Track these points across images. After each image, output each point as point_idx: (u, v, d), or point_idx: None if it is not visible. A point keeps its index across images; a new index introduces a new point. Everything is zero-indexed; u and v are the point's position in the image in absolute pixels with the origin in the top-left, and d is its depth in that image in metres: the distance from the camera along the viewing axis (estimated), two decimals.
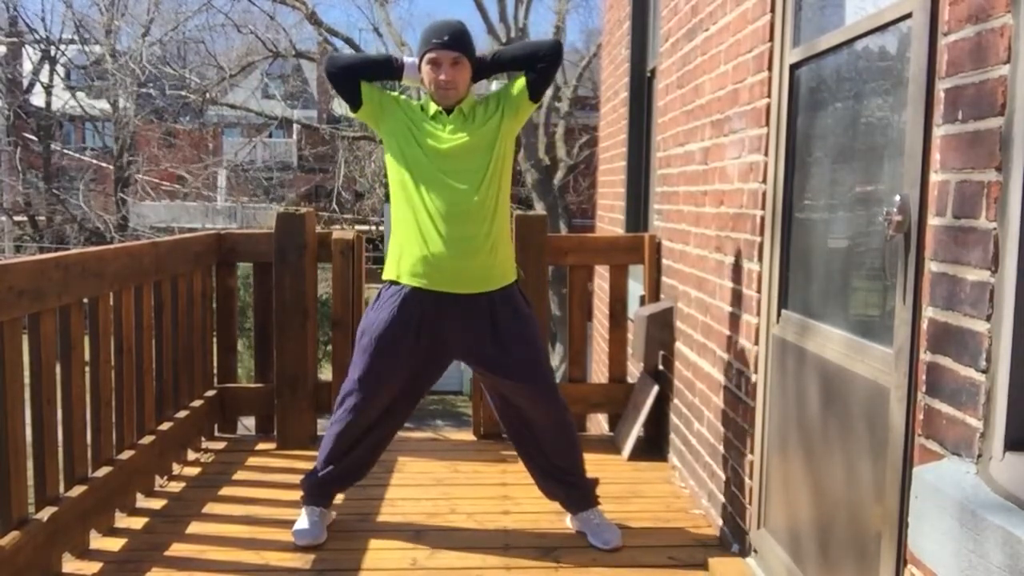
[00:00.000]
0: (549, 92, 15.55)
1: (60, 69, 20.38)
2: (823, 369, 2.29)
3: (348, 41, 15.87)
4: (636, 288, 4.37)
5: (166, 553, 2.92)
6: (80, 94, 20.53)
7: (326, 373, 4.35)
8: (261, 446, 4.07)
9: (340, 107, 21.64)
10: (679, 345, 3.77)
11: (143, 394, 3.35)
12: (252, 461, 3.88)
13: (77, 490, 2.82)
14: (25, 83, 20.53)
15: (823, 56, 2.39)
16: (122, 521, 3.15)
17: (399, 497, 3.46)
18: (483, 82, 3.14)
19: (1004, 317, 1.47)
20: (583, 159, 16.88)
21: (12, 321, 2.47)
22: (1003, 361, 1.47)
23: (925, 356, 1.71)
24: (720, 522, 3.12)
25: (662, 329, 3.88)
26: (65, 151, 22.06)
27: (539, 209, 13.79)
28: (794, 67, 2.58)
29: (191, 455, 3.88)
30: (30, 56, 20.51)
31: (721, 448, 3.11)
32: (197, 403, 3.92)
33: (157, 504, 3.35)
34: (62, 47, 19.67)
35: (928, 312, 1.70)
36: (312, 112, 25.30)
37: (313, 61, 18.18)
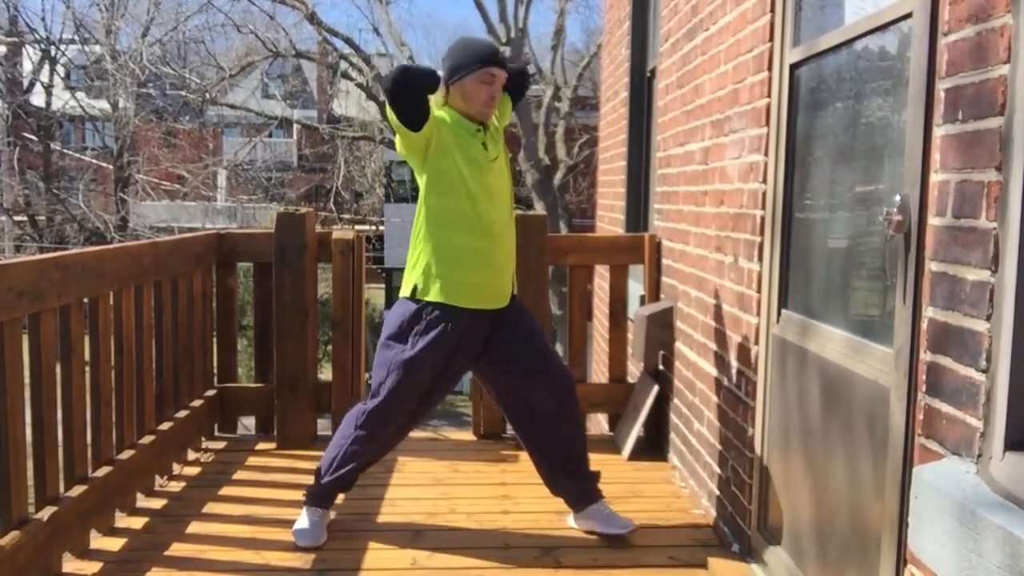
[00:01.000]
0: (549, 92, 15.58)
1: (60, 69, 20.36)
2: (823, 369, 2.29)
3: (348, 41, 15.86)
4: (636, 288, 4.37)
5: (166, 553, 2.92)
6: (80, 94, 20.52)
7: (326, 373, 4.35)
8: (261, 446, 4.07)
9: (340, 107, 21.64)
10: (679, 345, 3.77)
11: (143, 394, 3.35)
12: (252, 461, 3.88)
13: (77, 490, 2.82)
14: (25, 83, 20.52)
15: (823, 56, 2.39)
16: (122, 521, 3.15)
17: (399, 497, 3.47)
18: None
19: (1004, 317, 1.47)
20: (583, 159, 16.87)
21: (12, 321, 2.47)
22: (1003, 361, 1.47)
23: (925, 356, 1.71)
24: (720, 522, 3.12)
25: (662, 329, 3.88)
26: (65, 151, 22.05)
27: (539, 209, 13.79)
28: (794, 67, 2.58)
29: (191, 455, 3.88)
30: (30, 56, 20.50)
31: (721, 448, 3.12)
32: (197, 403, 3.92)
33: (157, 504, 3.35)
34: (62, 47, 19.65)
35: (928, 312, 1.70)
36: (312, 112, 25.29)
37: (313, 61, 18.19)
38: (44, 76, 19.76)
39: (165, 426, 3.54)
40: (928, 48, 1.75)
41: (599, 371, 5.98)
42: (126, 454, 3.18)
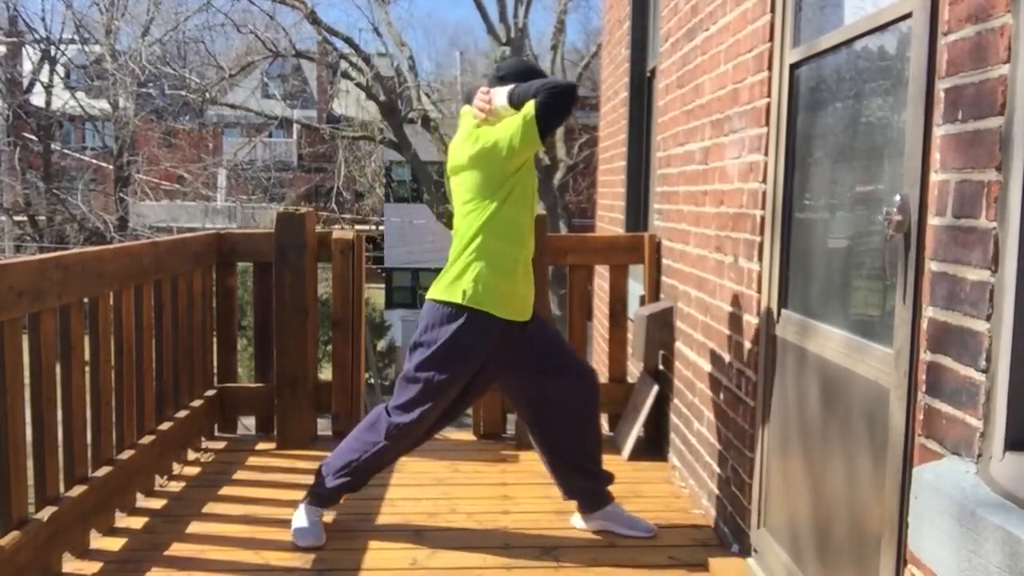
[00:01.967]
0: None
1: (60, 69, 20.37)
2: (823, 369, 2.29)
3: (348, 41, 15.86)
4: (636, 288, 4.37)
5: (166, 553, 2.92)
6: (80, 94, 20.52)
7: (326, 373, 4.35)
8: (261, 446, 4.07)
9: (340, 107, 21.62)
10: (679, 345, 3.77)
11: (143, 394, 3.35)
12: (252, 461, 3.88)
13: (77, 490, 2.82)
14: (25, 83, 20.52)
15: (823, 56, 2.39)
16: (122, 521, 3.15)
17: (399, 497, 3.47)
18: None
19: (1004, 317, 1.47)
20: (583, 159, 16.87)
21: (12, 321, 2.47)
22: (1003, 361, 1.47)
23: (925, 356, 1.71)
24: (720, 522, 3.12)
25: (662, 329, 3.88)
26: (65, 151, 22.04)
27: (539, 209, 13.76)
28: (794, 67, 2.58)
29: (191, 455, 3.88)
30: (30, 56, 20.50)
31: (721, 448, 3.12)
32: (197, 403, 3.92)
33: (157, 504, 3.35)
34: (62, 47, 19.66)
35: (928, 312, 1.70)
36: (312, 112, 25.29)
37: (313, 61, 18.18)
38: (44, 76, 19.77)
39: (165, 426, 3.54)
40: (928, 48, 1.75)
41: (599, 371, 5.95)
42: (126, 454, 3.18)
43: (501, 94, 2.85)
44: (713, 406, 3.22)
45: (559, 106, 2.73)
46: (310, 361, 4.10)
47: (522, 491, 3.52)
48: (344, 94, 20.48)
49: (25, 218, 19.75)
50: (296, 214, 4.06)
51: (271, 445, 4.07)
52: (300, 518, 3.03)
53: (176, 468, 3.70)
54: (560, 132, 16.15)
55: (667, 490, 3.60)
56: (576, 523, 3.17)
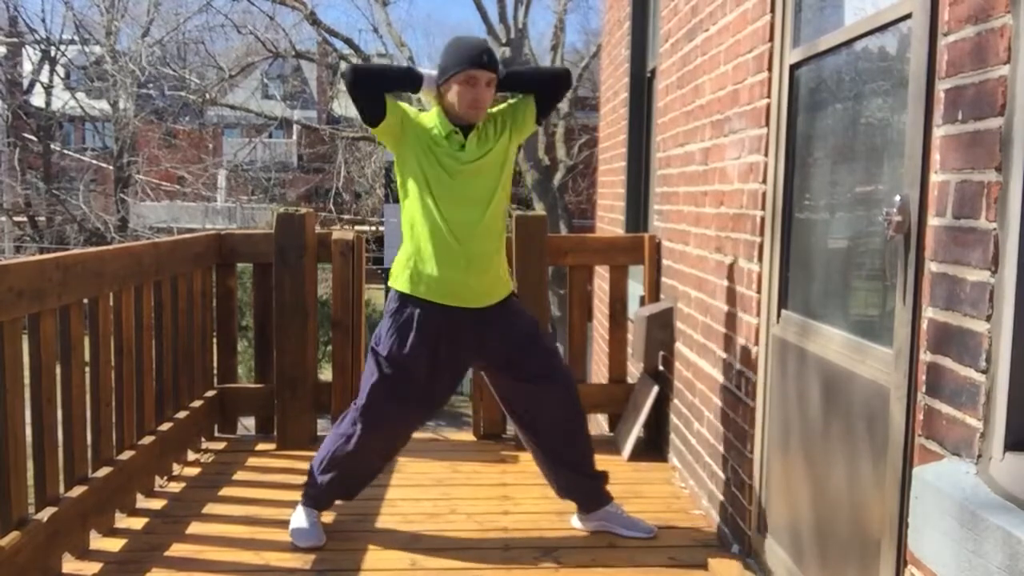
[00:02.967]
0: None
1: (60, 69, 20.37)
2: (823, 369, 2.29)
3: (348, 41, 15.87)
4: (636, 288, 4.37)
5: (166, 553, 2.92)
6: (80, 94, 20.52)
7: (326, 373, 4.35)
8: (261, 446, 4.07)
9: (340, 107, 21.62)
10: (679, 345, 3.77)
11: (143, 394, 3.35)
12: (252, 461, 3.88)
13: (77, 490, 2.82)
14: (25, 83, 20.52)
15: (823, 56, 2.40)
16: (122, 521, 3.15)
17: (399, 497, 3.46)
18: None
19: (1004, 317, 1.47)
20: (583, 159, 16.88)
21: (12, 321, 2.47)
22: (1003, 361, 1.47)
23: (925, 356, 1.71)
24: (720, 522, 3.12)
25: (662, 329, 3.88)
26: (65, 151, 22.04)
27: (539, 209, 13.78)
28: (794, 67, 2.58)
29: (191, 455, 3.88)
30: (30, 56, 20.50)
31: (721, 448, 3.11)
32: (197, 403, 3.92)
33: (157, 504, 3.35)
34: (62, 47, 19.66)
35: (928, 312, 1.70)
36: (312, 112, 25.30)
37: (313, 61, 18.20)
38: (44, 76, 19.76)
39: (165, 426, 3.54)
40: (928, 48, 1.75)
41: (599, 371, 5.98)
42: (126, 454, 3.18)
43: None
44: (713, 407, 3.22)
45: (351, 93, 2.86)
46: (310, 362, 4.10)
47: (522, 491, 3.52)
48: (344, 95, 20.46)
49: (25, 219, 19.74)
50: (296, 215, 4.06)
51: (271, 446, 4.06)
52: (298, 519, 3.03)
53: (176, 469, 3.70)
54: (560, 132, 16.16)
55: (667, 491, 3.60)
56: (576, 524, 3.16)
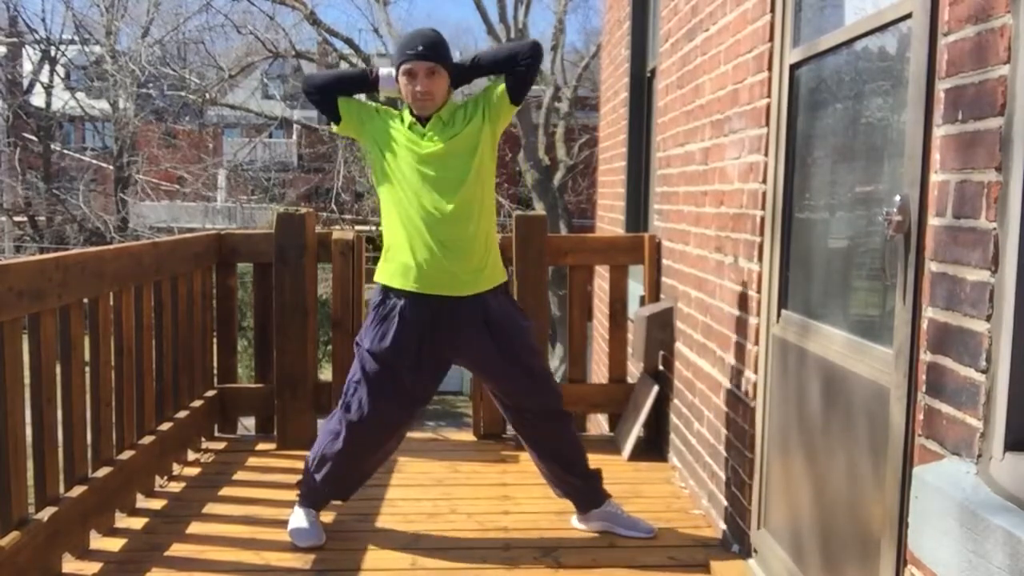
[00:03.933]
0: (549, 92, 15.56)
1: (60, 69, 20.37)
2: (823, 369, 2.29)
3: (348, 41, 15.86)
4: (636, 288, 4.37)
5: (166, 553, 2.92)
6: (80, 94, 20.52)
7: (326, 373, 4.35)
8: (261, 446, 4.07)
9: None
10: (679, 345, 3.77)
11: (143, 394, 3.35)
12: (252, 461, 3.88)
13: (77, 490, 2.82)
14: (25, 83, 20.52)
15: (823, 56, 2.39)
16: (122, 521, 3.15)
17: (399, 497, 3.46)
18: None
19: (1004, 317, 1.47)
20: (583, 159, 16.88)
21: (12, 321, 2.47)
22: (1003, 361, 1.47)
23: (925, 356, 1.71)
24: (720, 522, 3.12)
25: (662, 329, 3.88)
26: (65, 151, 22.04)
27: (539, 209, 13.78)
28: (794, 67, 2.58)
29: (191, 455, 3.88)
30: (30, 56, 20.50)
31: (721, 448, 3.11)
32: (197, 403, 3.92)
33: (157, 504, 3.35)
34: (62, 47, 19.66)
35: (928, 312, 1.70)
36: (312, 112, 25.20)
37: (313, 61, 18.18)
38: (44, 76, 19.77)
39: (165, 426, 3.54)
40: (928, 48, 1.75)
41: (599, 371, 5.98)
42: (126, 454, 3.18)
43: None
44: (713, 406, 3.22)
45: (309, 99, 3.04)
46: (310, 362, 4.10)
47: (522, 491, 3.52)
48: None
49: (25, 218, 19.74)
50: (296, 215, 4.06)
51: (271, 446, 4.06)
52: (298, 519, 3.03)
53: (176, 468, 3.70)
54: (560, 132, 16.15)
55: (667, 490, 3.60)
56: (576, 523, 3.17)
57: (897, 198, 1.84)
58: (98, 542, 2.97)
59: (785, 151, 2.62)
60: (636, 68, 5.39)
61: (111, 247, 3.33)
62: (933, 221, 1.69)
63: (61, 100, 20.02)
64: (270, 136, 24.37)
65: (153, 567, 2.82)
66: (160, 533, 3.09)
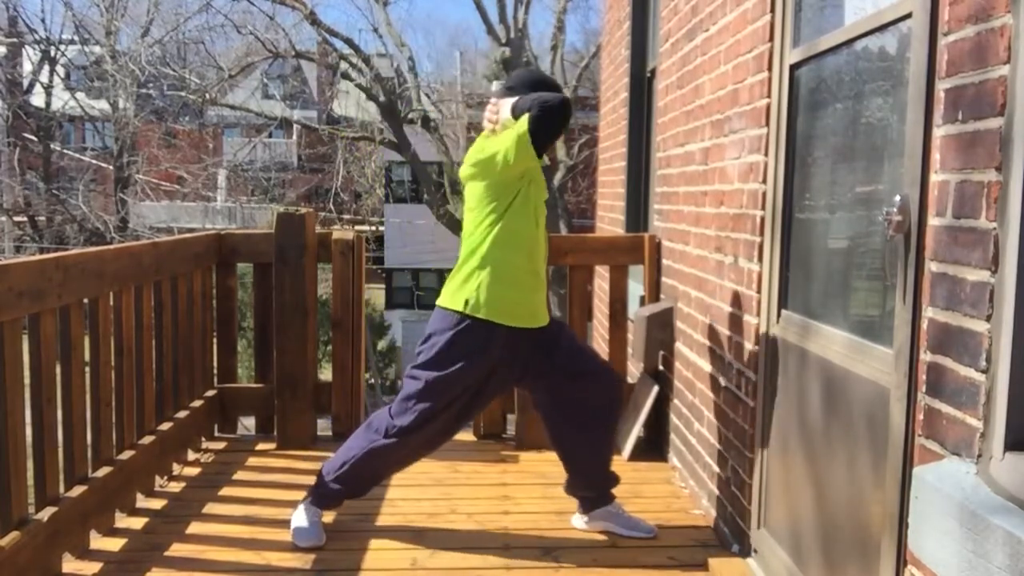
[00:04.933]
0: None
1: (60, 69, 20.38)
2: (823, 369, 2.29)
3: (348, 41, 15.85)
4: (636, 288, 4.37)
5: (166, 553, 2.92)
6: (80, 94, 20.53)
7: (326, 373, 4.35)
8: (261, 446, 4.07)
9: (340, 107, 21.62)
10: (679, 345, 3.77)
11: (143, 394, 3.35)
12: (252, 461, 3.88)
13: (77, 490, 2.82)
14: (25, 83, 20.53)
15: (823, 56, 2.40)
16: (122, 521, 3.15)
17: (399, 497, 3.46)
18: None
19: (1004, 317, 1.47)
20: (583, 159, 16.87)
21: (12, 321, 2.47)
22: (1003, 361, 1.47)
23: (925, 356, 1.71)
24: (720, 522, 3.12)
25: (662, 329, 3.88)
26: (65, 151, 22.05)
27: None
28: (794, 67, 2.58)
29: (191, 455, 3.88)
30: (30, 56, 20.51)
31: (721, 448, 3.12)
32: (197, 403, 3.92)
33: (157, 504, 3.35)
34: (62, 47, 19.68)
35: (928, 312, 1.70)
36: (312, 112, 25.28)
37: (313, 61, 18.19)
38: (44, 76, 19.78)
39: (165, 426, 3.54)
40: (928, 48, 1.75)
41: None
42: (126, 454, 3.18)
43: (507, 106, 2.88)
44: (713, 406, 3.22)
45: (549, 121, 2.75)
46: (310, 362, 4.10)
47: (522, 491, 3.52)
48: (344, 95, 20.48)
49: (25, 218, 19.75)
50: (296, 215, 4.07)
51: (271, 446, 4.06)
52: (300, 518, 3.03)
53: (176, 468, 3.70)
54: None
55: (667, 490, 3.60)
56: (576, 523, 3.17)
57: (897, 198, 1.84)
58: (98, 542, 2.97)
59: (785, 151, 2.62)
60: (636, 68, 5.39)
61: (111, 247, 3.33)
62: (933, 221, 1.69)
63: (61, 100, 20.04)
64: (270, 136, 24.38)
65: (153, 567, 2.82)
66: (160, 533, 3.09)
